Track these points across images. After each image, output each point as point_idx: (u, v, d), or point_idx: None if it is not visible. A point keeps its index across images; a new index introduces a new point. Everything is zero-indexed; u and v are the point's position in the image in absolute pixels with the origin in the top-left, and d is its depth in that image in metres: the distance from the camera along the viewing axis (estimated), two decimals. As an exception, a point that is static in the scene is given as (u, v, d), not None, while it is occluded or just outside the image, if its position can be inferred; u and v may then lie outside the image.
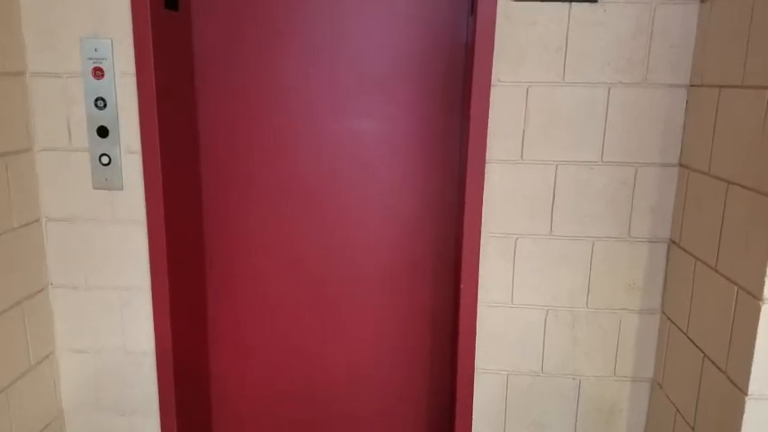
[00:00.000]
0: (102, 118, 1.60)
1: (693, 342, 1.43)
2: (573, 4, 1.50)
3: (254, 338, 1.96)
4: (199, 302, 1.90)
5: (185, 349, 1.82)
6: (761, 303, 1.15)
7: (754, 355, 1.16)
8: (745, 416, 1.19)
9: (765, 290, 1.13)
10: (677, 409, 1.50)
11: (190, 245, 1.82)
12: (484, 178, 1.60)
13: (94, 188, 1.65)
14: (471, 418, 1.71)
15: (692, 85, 1.50)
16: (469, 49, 1.63)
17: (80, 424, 1.83)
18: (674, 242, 1.56)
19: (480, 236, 1.63)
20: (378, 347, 1.94)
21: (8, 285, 1.57)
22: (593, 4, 1.50)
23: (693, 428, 1.41)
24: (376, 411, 1.99)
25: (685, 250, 1.49)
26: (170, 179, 1.67)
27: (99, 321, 1.75)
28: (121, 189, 1.64)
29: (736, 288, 1.24)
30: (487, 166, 1.60)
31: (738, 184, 1.25)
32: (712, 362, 1.33)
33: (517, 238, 1.63)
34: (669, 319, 1.57)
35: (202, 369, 1.96)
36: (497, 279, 1.66)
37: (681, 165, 1.54)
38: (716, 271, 1.33)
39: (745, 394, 1.19)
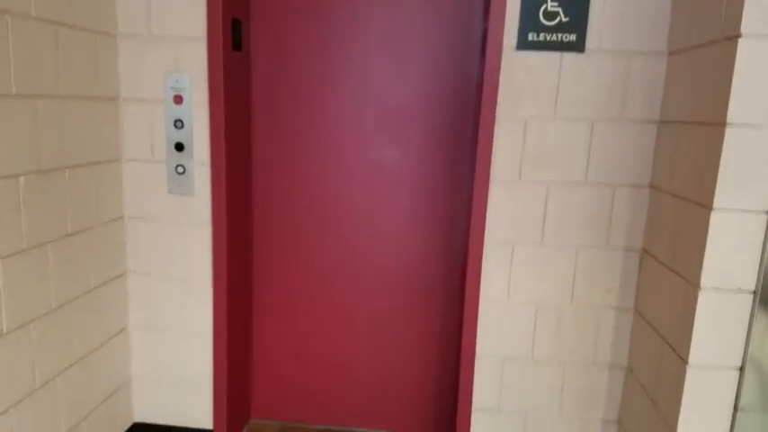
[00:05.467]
0: (180, 136, 1.98)
1: (656, 330, 1.73)
2: (564, 53, 1.85)
3: (291, 324, 2.30)
4: (246, 292, 2.25)
5: (235, 332, 2.16)
6: (698, 290, 1.46)
7: (694, 330, 1.46)
8: (686, 382, 1.49)
9: (702, 279, 1.44)
10: (644, 389, 1.79)
11: (243, 242, 2.18)
12: (488, 195, 1.93)
13: (169, 193, 2.02)
14: (471, 394, 2.02)
15: (662, 122, 1.82)
16: (478, 89, 1.98)
17: (145, 390, 2.18)
18: (645, 250, 1.87)
19: (483, 243, 1.96)
20: (399, 333, 2.26)
21: (96, 269, 1.94)
22: (579, 54, 1.84)
23: (654, 402, 1.70)
24: (392, 385, 2.31)
25: (653, 256, 1.80)
26: (231, 187, 2.03)
27: (165, 304, 2.11)
28: (192, 194, 2.01)
29: (683, 281, 1.55)
30: (491, 185, 1.93)
31: (689, 200, 1.56)
32: (667, 342, 1.63)
33: (514, 245, 1.96)
34: (640, 314, 1.88)
35: (247, 349, 2.30)
36: (497, 279, 1.97)
37: (651, 186, 1.86)
38: (671, 270, 1.64)
39: (686, 363, 1.49)
